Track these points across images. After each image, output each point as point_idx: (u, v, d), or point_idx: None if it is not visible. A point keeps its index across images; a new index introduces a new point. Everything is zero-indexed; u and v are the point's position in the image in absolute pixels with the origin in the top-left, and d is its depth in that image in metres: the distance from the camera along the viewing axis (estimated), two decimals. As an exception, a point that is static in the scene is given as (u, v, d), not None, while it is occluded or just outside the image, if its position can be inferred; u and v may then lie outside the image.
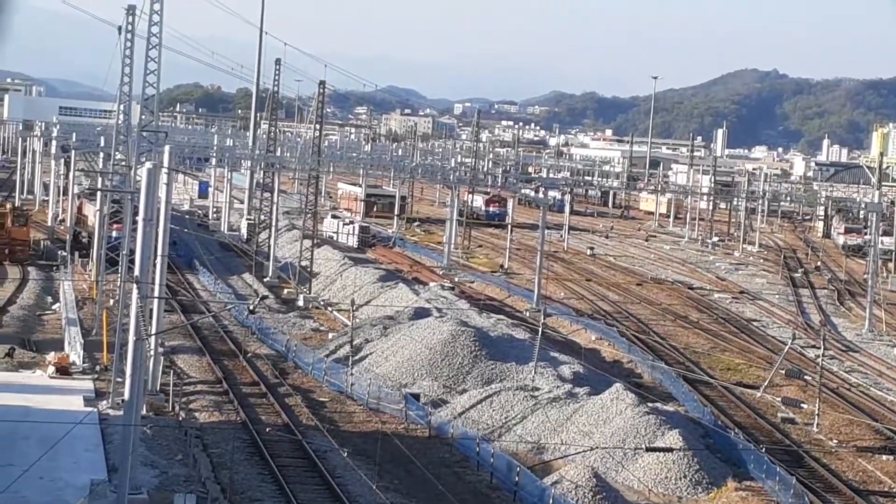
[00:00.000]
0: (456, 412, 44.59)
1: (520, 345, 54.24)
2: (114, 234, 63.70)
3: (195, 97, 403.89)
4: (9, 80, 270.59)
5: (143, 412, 37.65)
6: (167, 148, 44.80)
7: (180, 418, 42.25)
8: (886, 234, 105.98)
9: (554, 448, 40.75)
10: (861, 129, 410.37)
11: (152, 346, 41.97)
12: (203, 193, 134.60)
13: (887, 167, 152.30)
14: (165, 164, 40.81)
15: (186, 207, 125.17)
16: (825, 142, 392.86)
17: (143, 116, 64.43)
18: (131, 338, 30.90)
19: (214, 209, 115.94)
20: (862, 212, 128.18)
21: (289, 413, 44.31)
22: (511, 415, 43.83)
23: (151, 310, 41.60)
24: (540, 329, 50.51)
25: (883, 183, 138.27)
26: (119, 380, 40.43)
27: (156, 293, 38.72)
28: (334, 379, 49.41)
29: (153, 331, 39.03)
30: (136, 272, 31.22)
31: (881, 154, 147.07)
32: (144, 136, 61.77)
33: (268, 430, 40.90)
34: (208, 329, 59.95)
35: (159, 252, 41.58)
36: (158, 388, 44.65)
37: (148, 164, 33.68)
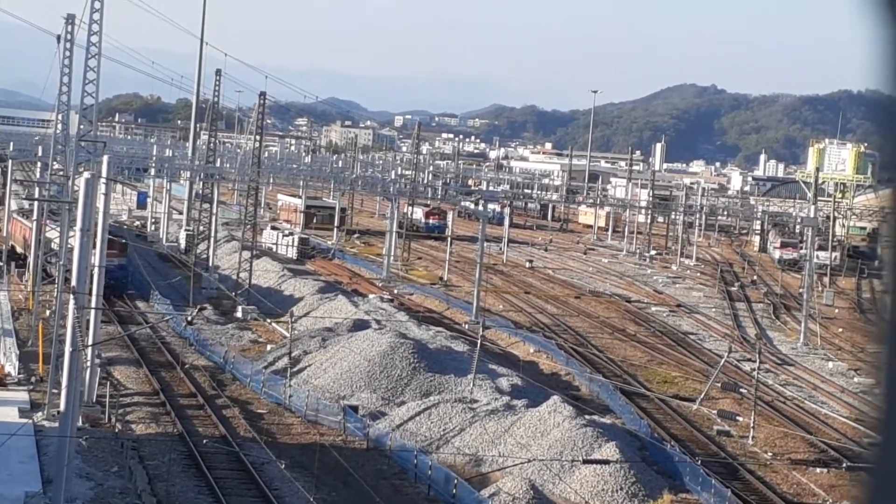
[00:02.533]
0: (394, 424, 44.63)
1: (458, 357, 54.40)
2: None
3: (134, 107, 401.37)
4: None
5: (79, 424, 37.38)
6: (105, 158, 44.60)
7: (116, 430, 42.01)
8: (822, 248, 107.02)
9: (492, 460, 40.90)
10: (797, 145, 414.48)
11: (89, 357, 41.69)
12: (142, 204, 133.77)
13: (823, 182, 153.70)
14: (104, 174, 40.61)
15: (125, 218, 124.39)
16: (762, 157, 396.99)
17: (82, 126, 64.05)
18: (67, 349, 30.77)
19: (153, 220, 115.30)
20: (798, 226, 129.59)
21: (226, 425, 44.18)
22: (449, 427, 43.93)
23: (88, 320, 41.37)
24: (478, 341, 50.66)
25: (819, 198, 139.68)
26: (55, 391, 40.13)
27: (92, 304, 38.51)
28: (272, 391, 49.32)
29: (90, 341, 38.79)
30: (73, 283, 31.08)
31: (817, 169, 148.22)
32: (83, 146, 61.42)
33: (205, 441, 40.75)
34: (146, 340, 59.67)
35: (97, 262, 41.33)
36: (95, 399, 44.34)
37: (86, 175, 33.55)
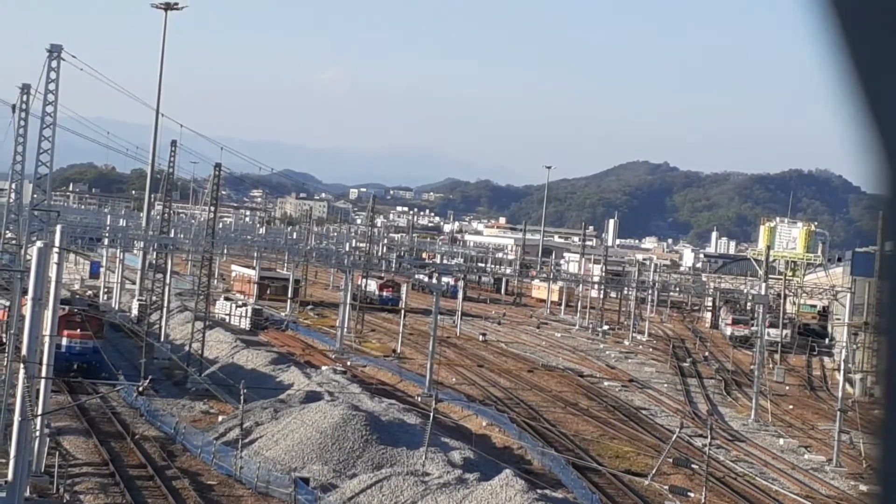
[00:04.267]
0: (345, 497, 44.39)
1: (411, 430, 54.26)
2: None
3: (89, 177, 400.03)
4: None
5: (27, 494, 37.00)
6: (59, 227, 44.53)
7: (65, 501, 41.56)
8: (773, 325, 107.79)
9: (443, 534, 40.71)
10: (749, 223, 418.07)
11: (38, 427, 41.36)
12: (95, 274, 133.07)
13: (774, 260, 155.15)
14: (57, 243, 40.53)
15: (77, 287, 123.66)
16: (714, 234, 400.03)
17: (35, 195, 63.96)
18: (17, 418, 30.52)
19: (106, 289, 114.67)
20: (749, 303, 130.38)
21: (176, 496, 43.81)
22: (401, 500, 43.74)
23: (38, 390, 41.07)
24: (431, 414, 50.56)
25: (769, 276, 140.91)
26: (3, 460, 39.70)
27: (42, 373, 38.28)
28: (223, 462, 48.98)
29: (39, 411, 38.50)
30: (24, 352, 30.92)
31: (768, 247, 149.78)
32: (36, 215, 61.26)
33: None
34: (96, 410, 59.16)
35: (47, 332, 41.08)
36: (43, 469, 43.90)
37: (39, 244, 33.49)
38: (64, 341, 62.86)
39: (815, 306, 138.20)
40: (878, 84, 2.22)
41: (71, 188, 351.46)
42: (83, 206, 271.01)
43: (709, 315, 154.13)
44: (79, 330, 65.06)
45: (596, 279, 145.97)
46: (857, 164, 2.26)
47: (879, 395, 2.27)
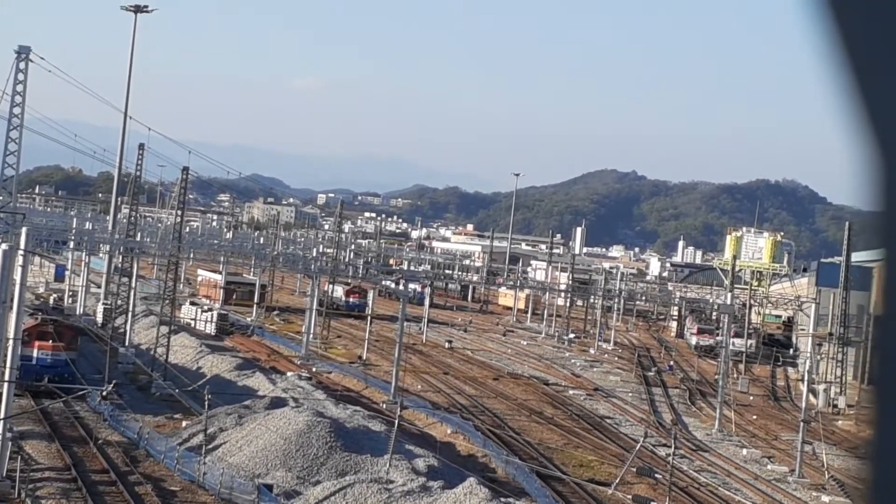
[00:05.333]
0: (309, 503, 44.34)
1: (375, 437, 54.22)
2: None
3: (55, 179, 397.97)
4: None
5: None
6: (24, 230, 44.33)
7: (26, 506, 41.34)
8: (738, 335, 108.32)
9: (406, 541, 40.69)
10: (715, 232, 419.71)
11: (0, 431, 41.17)
12: (60, 277, 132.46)
13: (740, 270, 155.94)
14: (22, 246, 40.33)
15: (42, 290, 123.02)
16: (680, 243, 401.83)
17: (1, 197, 63.63)
18: (-21, 422, 30.36)
19: (70, 293, 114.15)
20: (714, 313, 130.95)
21: (138, 502, 43.64)
22: (364, 507, 43.69)
23: (0, 393, 40.90)
24: (396, 421, 50.55)
25: (735, 285, 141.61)
26: (-36, 465, 39.47)
27: (6, 377, 38.12)
28: (186, 468, 48.80)
29: (1, 415, 38.32)
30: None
31: (734, 257, 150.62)
32: (1, 218, 60.95)
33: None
34: (59, 414, 58.83)
35: (11, 335, 40.91)
36: (5, 473, 43.68)
37: (4, 246, 33.34)
38: (35, 353, 61.71)
39: (780, 316, 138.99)
40: (871, 83, 2.23)
41: (37, 190, 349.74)
42: (49, 209, 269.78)
43: (674, 324, 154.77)
44: (51, 341, 62.80)
45: (562, 287, 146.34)
46: (847, 172, 2.27)
47: (871, 410, 2.30)
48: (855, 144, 2.24)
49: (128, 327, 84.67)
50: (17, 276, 41.43)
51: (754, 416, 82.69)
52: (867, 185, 2.25)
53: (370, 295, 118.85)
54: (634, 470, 54.21)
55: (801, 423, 63.62)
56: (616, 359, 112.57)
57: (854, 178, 2.26)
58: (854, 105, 2.23)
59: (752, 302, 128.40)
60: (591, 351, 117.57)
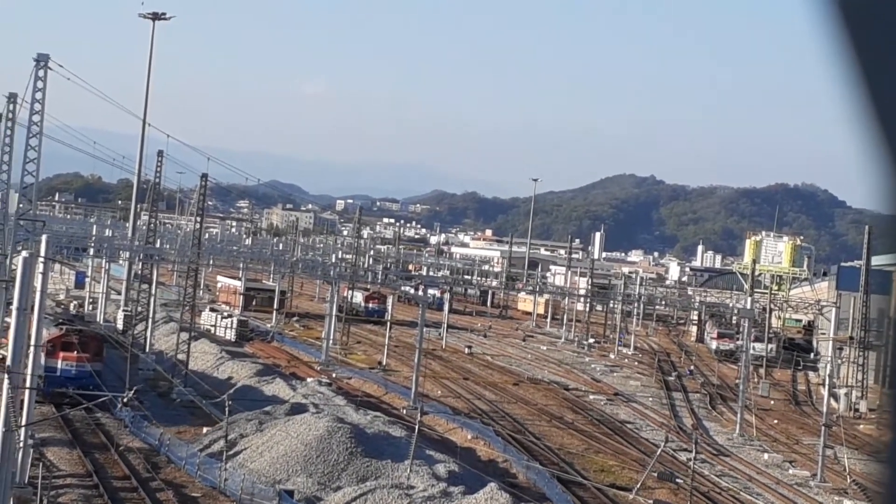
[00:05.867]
0: (330, 509, 44.30)
1: (396, 442, 54.21)
2: None
3: (75, 187, 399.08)
4: None
5: (10, 505, 36.85)
6: (44, 237, 44.33)
7: (48, 512, 41.41)
8: (758, 339, 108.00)
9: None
10: (735, 237, 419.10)
11: (22, 438, 41.18)
12: (80, 284, 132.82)
13: (759, 274, 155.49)
14: (42, 253, 40.39)
15: (62, 297, 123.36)
16: (700, 248, 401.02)
17: (21, 205, 63.80)
18: (0, 429, 30.41)
19: (91, 300, 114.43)
20: (734, 317, 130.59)
21: (160, 508, 43.70)
22: (385, 513, 43.66)
23: (22, 400, 40.90)
24: (416, 427, 50.54)
25: (755, 290, 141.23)
26: (-14, 472, 39.55)
27: (27, 384, 38.12)
28: (207, 474, 48.86)
29: (23, 422, 38.37)
30: (9, 362, 30.83)
31: (753, 261, 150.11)
32: (22, 225, 61.10)
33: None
34: (80, 421, 58.96)
35: (32, 342, 40.93)
36: (27, 481, 43.71)
37: (24, 253, 33.41)
38: (59, 364, 61.18)
39: (800, 321, 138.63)
40: (887, 88, 2.21)
41: (57, 198, 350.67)
42: (69, 216, 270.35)
43: (694, 329, 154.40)
44: (76, 352, 61.61)
45: (582, 292, 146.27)
46: (867, 176, 2.25)
47: (888, 413, 2.27)
48: (873, 148, 2.22)
49: (148, 334, 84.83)
50: (38, 284, 41.49)
51: (775, 421, 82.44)
52: (887, 188, 2.23)
53: (389, 301, 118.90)
54: (655, 475, 54.09)
55: (823, 428, 63.39)
56: (636, 363, 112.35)
57: (874, 181, 2.25)
58: (871, 109, 2.21)
59: (772, 306, 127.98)
60: (611, 356, 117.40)
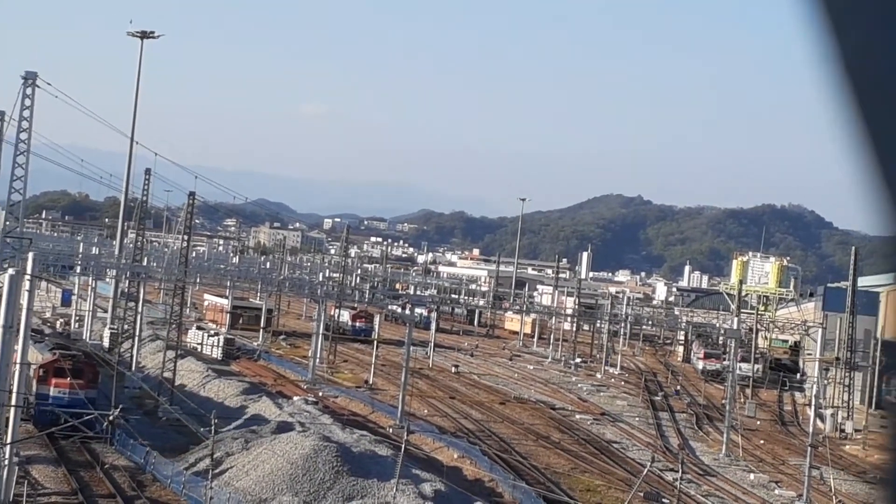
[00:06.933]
0: (316, 528, 44.22)
1: (382, 461, 54.14)
2: None
3: (62, 204, 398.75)
4: None
5: (-5, 523, 36.75)
6: (31, 255, 44.32)
7: (33, 530, 41.28)
8: (744, 360, 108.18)
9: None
10: (721, 257, 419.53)
11: (7, 456, 41.12)
12: (66, 302, 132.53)
13: (746, 295, 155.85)
14: (29, 270, 40.36)
15: (48, 315, 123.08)
16: (687, 268, 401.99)
17: (8, 223, 63.67)
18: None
19: (77, 318, 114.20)
20: (721, 337, 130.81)
21: (145, 527, 43.59)
22: (371, 532, 43.60)
23: (7, 418, 40.86)
24: (402, 446, 50.50)
25: (742, 310, 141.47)
26: (-29, 489, 39.44)
27: (12, 401, 38.11)
28: (193, 492, 48.74)
29: (8, 439, 38.30)
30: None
31: (740, 281, 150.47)
32: (8, 243, 60.98)
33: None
34: (65, 439, 58.76)
35: (18, 360, 40.92)
36: (11, 498, 43.62)
37: (11, 271, 33.38)
38: (52, 391, 58.53)
39: (786, 341, 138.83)
40: (875, 106, 2.23)
41: (44, 215, 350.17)
42: (56, 234, 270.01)
43: (681, 349, 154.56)
44: (68, 379, 58.39)
45: (569, 312, 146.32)
46: (854, 197, 2.27)
47: (887, 436, 2.30)
48: (862, 169, 2.25)
49: (134, 352, 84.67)
50: (24, 301, 41.44)
51: (761, 441, 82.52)
52: (876, 210, 2.25)
53: (376, 319, 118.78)
54: (642, 495, 54.10)
55: (809, 448, 63.43)
56: (623, 383, 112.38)
57: (861, 203, 2.27)
58: (860, 130, 2.24)
59: (758, 326, 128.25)
60: (598, 375, 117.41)
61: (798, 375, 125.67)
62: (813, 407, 73.27)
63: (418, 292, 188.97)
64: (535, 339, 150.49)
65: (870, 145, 2.25)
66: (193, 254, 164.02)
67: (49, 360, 60.71)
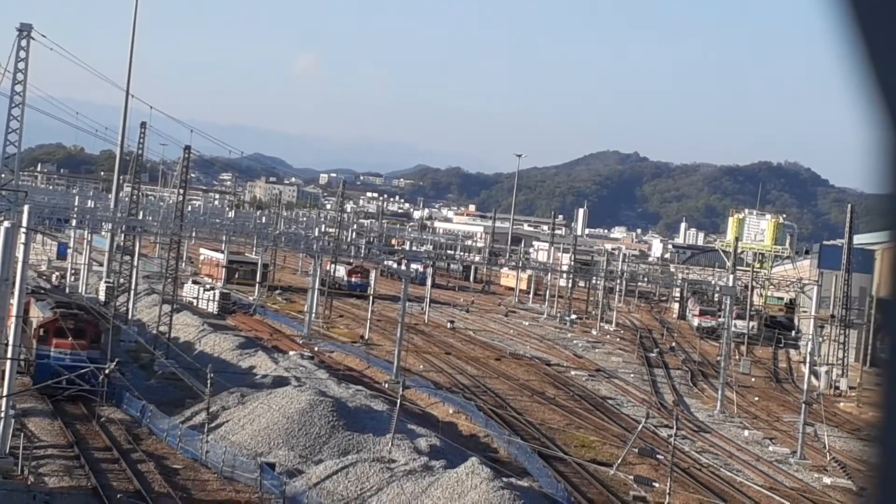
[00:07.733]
0: (311, 482, 44.33)
1: (378, 416, 54.26)
2: None
3: (57, 157, 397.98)
4: None
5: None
6: (26, 208, 44.26)
7: (29, 482, 41.38)
8: (740, 317, 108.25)
9: (408, 520, 40.71)
10: (717, 214, 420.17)
11: (3, 408, 41.20)
12: (62, 255, 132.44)
13: (742, 252, 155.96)
14: (24, 223, 40.28)
15: (44, 268, 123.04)
16: (682, 225, 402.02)
17: (3, 175, 63.53)
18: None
19: (73, 271, 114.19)
20: (716, 295, 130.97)
21: (141, 480, 43.67)
22: (367, 486, 43.72)
23: (3, 371, 40.92)
24: (398, 401, 50.59)
25: (737, 267, 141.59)
26: (-33, 442, 39.51)
27: (8, 354, 38.11)
28: (189, 446, 48.85)
29: (4, 392, 38.33)
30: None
31: (736, 239, 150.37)
32: (4, 195, 60.83)
33: (119, 496, 40.27)
34: (65, 400, 58.78)
35: (13, 312, 40.88)
36: (7, 451, 43.72)
37: (6, 224, 33.29)
38: (52, 352, 56.83)
39: (781, 298, 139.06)
40: (882, 60, 2.17)
41: (39, 168, 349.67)
42: (51, 187, 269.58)
43: (676, 306, 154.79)
44: (70, 339, 56.25)
45: (565, 268, 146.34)
46: (850, 154, 2.21)
47: (877, 393, 2.25)
48: (863, 127, 2.19)
49: (130, 305, 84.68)
50: (20, 254, 41.43)
51: (756, 398, 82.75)
52: (876, 166, 2.20)
53: (372, 275, 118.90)
54: (636, 451, 54.23)
55: (803, 405, 63.62)
56: (618, 340, 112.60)
57: (859, 160, 2.22)
58: (864, 85, 2.17)
59: (754, 284, 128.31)
60: (593, 332, 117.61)
61: (793, 333, 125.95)
62: (808, 364, 73.35)
63: (414, 248, 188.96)
64: (531, 296, 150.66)
65: (875, 95, 2.18)
66: (189, 208, 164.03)
67: (49, 318, 59.07)
